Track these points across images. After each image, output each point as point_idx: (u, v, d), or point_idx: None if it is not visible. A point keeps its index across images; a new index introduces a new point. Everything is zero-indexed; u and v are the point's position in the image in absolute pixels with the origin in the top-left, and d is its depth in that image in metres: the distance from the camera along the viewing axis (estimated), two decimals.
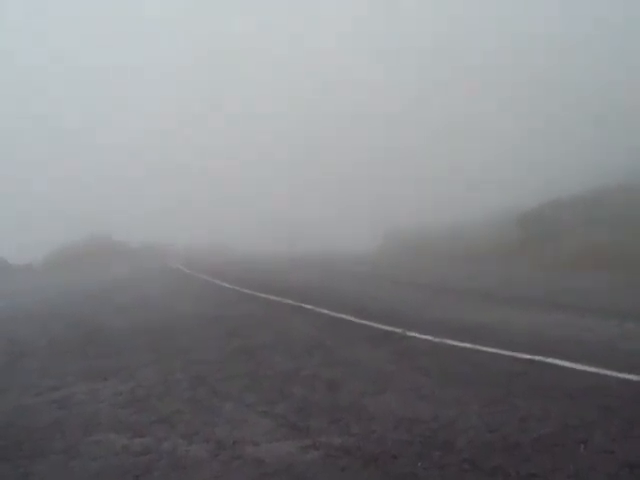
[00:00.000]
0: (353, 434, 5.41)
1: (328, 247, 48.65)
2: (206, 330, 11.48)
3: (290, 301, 14.36)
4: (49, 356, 10.24)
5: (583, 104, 37.24)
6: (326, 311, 12.32)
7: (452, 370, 7.31)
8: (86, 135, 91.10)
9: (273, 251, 52.03)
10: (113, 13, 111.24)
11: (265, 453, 5.16)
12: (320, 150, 72.39)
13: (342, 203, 62.36)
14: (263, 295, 16.26)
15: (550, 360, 7.37)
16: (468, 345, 8.47)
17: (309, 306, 13.22)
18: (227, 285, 20.51)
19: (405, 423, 5.56)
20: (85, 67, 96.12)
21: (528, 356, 7.62)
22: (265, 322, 11.86)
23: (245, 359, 8.75)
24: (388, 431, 5.41)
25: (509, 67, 48.48)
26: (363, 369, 7.68)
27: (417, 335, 9.41)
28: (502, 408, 5.77)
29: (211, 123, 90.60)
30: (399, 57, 66.29)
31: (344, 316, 11.55)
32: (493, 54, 50.39)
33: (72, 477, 5.03)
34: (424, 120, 57.18)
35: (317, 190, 70.07)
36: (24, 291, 25.12)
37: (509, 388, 6.40)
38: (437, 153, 52.38)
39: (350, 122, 70.40)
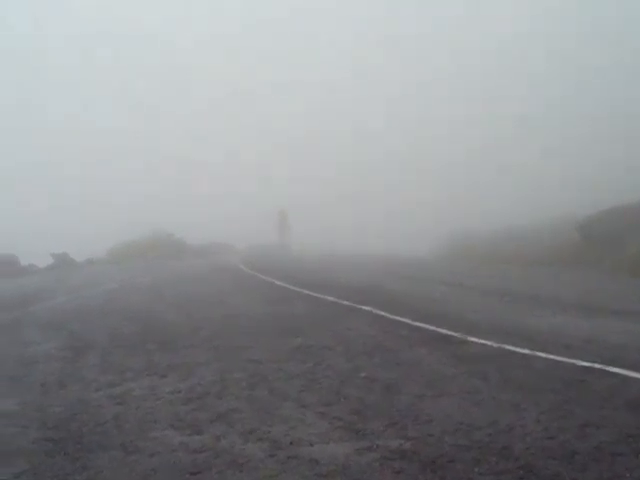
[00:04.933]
0: (410, 437, 5.39)
1: (387, 250, 48.51)
2: (264, 329, 11.53)
3: (347, 302, 14.35)
4: (109, 351, 10.38)
5: None
6: (384, 313, 12.28)
7: (510, 376, 7.24)
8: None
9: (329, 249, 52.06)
10: None
11: (321, 454, 5.18)
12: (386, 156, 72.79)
13: (402, 207, 62.21)
14: (319, 295, 16.24)
15: (610, 368, 7.27)
16: (527, 351, 8.39)
17: (367, 308, 13.19)
18: (279, 283, 20.59)
19: (463, 428, 5.53)
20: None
21: (587, 364, 7.52)
22: (323, 322, 11.86)
23: (303, 359, 8.78)
24: (445, 435, 5.39)
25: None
26: (421, 372, 7.65)
27: (476, 340, 9.34)
28: (560, 415, 5.71)
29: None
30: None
31: (402, 319, 11.50)
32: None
33: (129, 472, 5.10)
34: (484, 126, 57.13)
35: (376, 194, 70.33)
36: (85, 285, 25.49)
37: (568, 395, 6.33)
38: (495, 157, 52.15)
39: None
